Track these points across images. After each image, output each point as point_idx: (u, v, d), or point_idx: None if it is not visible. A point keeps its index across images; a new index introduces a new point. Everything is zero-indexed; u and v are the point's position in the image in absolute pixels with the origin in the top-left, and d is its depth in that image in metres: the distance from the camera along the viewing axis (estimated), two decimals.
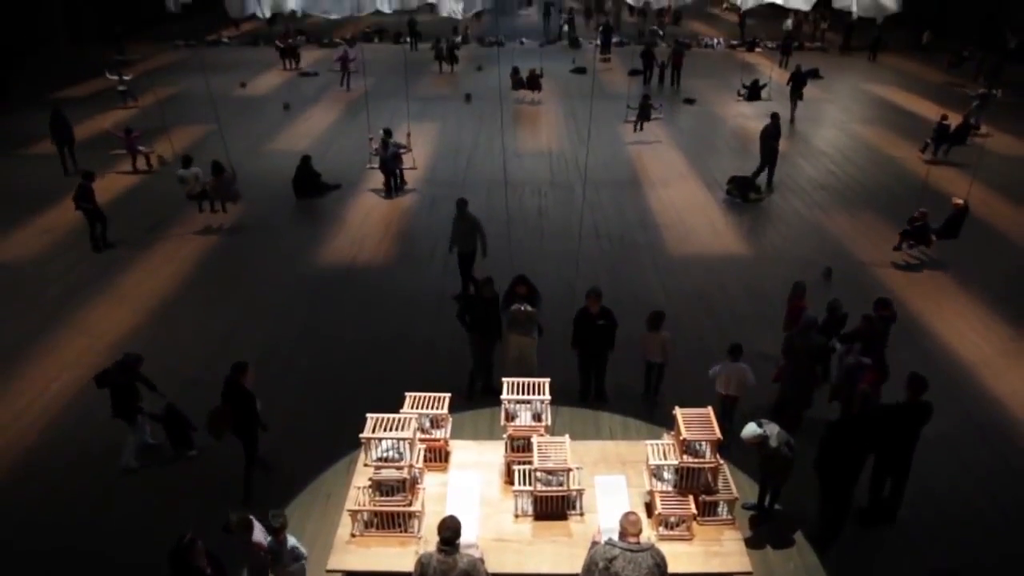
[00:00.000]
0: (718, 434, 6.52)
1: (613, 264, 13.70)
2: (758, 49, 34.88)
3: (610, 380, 9.85)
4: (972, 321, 11.94)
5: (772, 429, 7.19)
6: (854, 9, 23.39)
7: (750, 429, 7.11)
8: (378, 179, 17.41)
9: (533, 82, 25.50)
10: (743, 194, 16.83)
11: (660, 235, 15.00)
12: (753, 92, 24.59)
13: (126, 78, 25.09)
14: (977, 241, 14.42)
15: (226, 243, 14.74)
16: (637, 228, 15.33)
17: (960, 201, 13.77)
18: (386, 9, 26.44)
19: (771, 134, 17.31)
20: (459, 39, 33.29)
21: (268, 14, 25.11)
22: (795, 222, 15.82)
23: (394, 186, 17.13)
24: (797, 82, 23.35)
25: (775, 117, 17.48)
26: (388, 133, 17.09)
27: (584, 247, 13.14)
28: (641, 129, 20.88)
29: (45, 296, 12.55)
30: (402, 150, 17.38)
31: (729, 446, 6.81)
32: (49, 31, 33.52)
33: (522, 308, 9.42)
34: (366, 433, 6.52)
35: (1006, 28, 29.98)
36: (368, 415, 6.65)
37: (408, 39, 34.37)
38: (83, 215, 14.22)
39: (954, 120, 19.58)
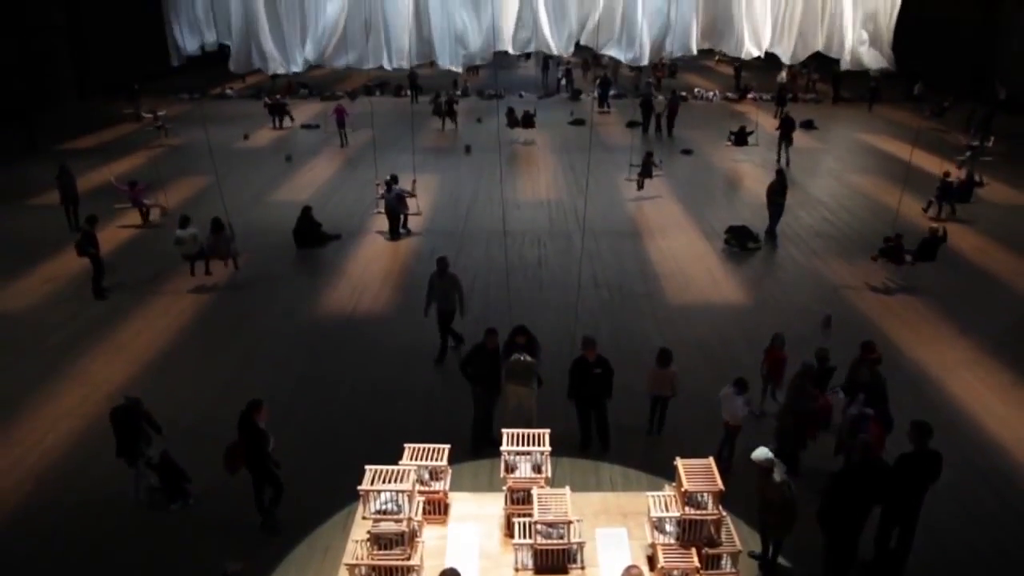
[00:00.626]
0: (720, 485, 6.46)
1: (613, 314, 13.72)
2: (751, 96, 35.49)
3: (611, 421, 9.80)
4: (974, 368, 11.92)
5: (779, 466, 7.27)
6: (847, 59, 24.12)
7: (761, 452, 7.22)
8: (383, 223, 17.72)
9: (527, 121, 27.01)
10: (741, 243, 16.94)
11: (659, 285, 15.06)
12: (740, 138, 25.18)
13: (161, 114, 27.71)
14: (977, 289, 14.49)
15: (226, 294, 14.78)
16: (636, 278, 15.39)
17: (936, 226, 14.65)
18: (388, 66, 26.97)
19: (776, 191, 17.32)
20: (458, 92, 33.86)
21: (274, 71, 25.72)
22: (793, 270, 15.90)
23: (398, 228, 17.55)
24: (786, 128, 24.01)
25: (780, 174, 17.62)
26: (394, 179, 17.63)
27: (583, 297, 13.17)
28: (642, 187, 20.61)
29: (45, 345, 12.54)
30: (407, 194, 17.83)
31: (727, 499, 6.74)
32: (58, 85, 34.29)
33: (521, 358, 9.41)
34: (364, 485, 6.45)
35: (995, 80, 30.60)
36: (367, 467, 6.60)
37: (409, 92, 34.98)
38: (89, 261, 14.39)
39: (935, 167, 19.92)
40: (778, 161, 23.84)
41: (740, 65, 38.13)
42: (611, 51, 24.48)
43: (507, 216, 16.33)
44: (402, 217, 17.73)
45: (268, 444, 8.08)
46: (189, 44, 28.80)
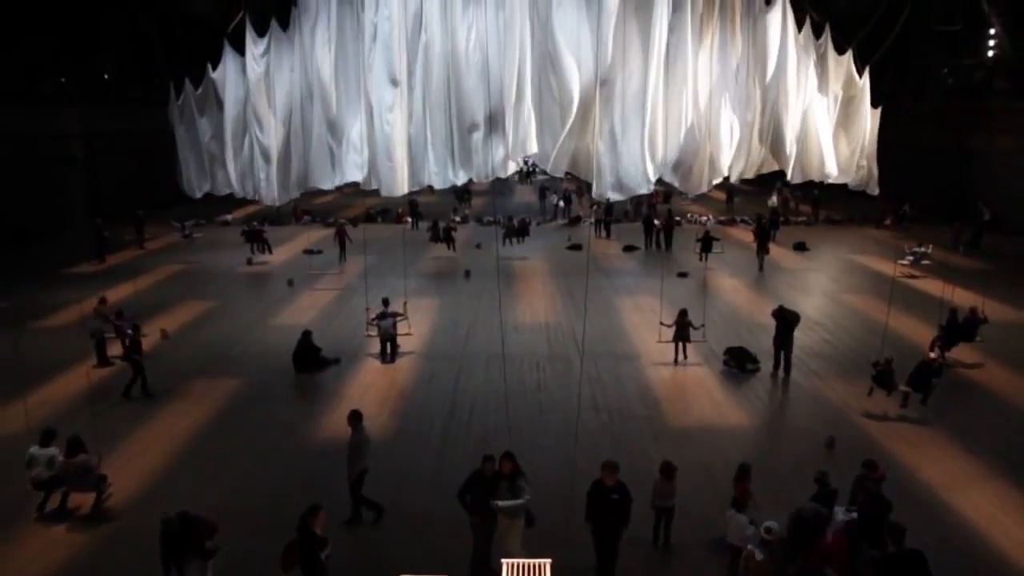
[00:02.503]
0: None
1: (613, 437, 13.56)
2: (741, 220, 36.53)
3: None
4: (983, 487, 11.70)
5: None
6: (833, 172, 26.15)
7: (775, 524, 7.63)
8: (375, 344, 17.93)
9: (523, 230, 28.29)
10: (740, 365, 16.95)
11: (659, 408, 14.97)
12: (706, 244, 26.62)
13: (188, 223, 29.18)
14: (980, 407, 14.39)
15: (222, 418, 14.65)
16: (636, 401, 15.31)
17: (933, 355, 14.29)
18: (392, 193, 28.37)
19: (779, 329, 16.57)
20: (457, 219, 34.76)
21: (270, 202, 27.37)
22: (793, 392, 15.84)
23: (390, 351, 17.67)
24: (762, 237, 26.36)
25: (780, 310, 16.92)
26: (385, 302, 17.98)
27: (583, 420, 13.07)
28: (685, 358, 17.34)
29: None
30: (399, 318, 18.00)
31: None
32: (71, 211, 35.61)
33: (500, 504, 9.11)
34: None
35: (979, 202, 31.60)
36: None
37: (409, 219, 35.93)
38: (129, 365, 15.49)
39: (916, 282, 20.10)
40: (760, 269, 25.99)
41: (731, 189, 39.49)
42: (607, 192, 25.63)
43: (506, 339, 16.42)
44: (393, 338, 17.91)
45: (323, 550, 8.31)
46: (199, 187, 30.48)
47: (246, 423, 14.44)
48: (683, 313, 17.34)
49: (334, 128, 29.61)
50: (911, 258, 25.92)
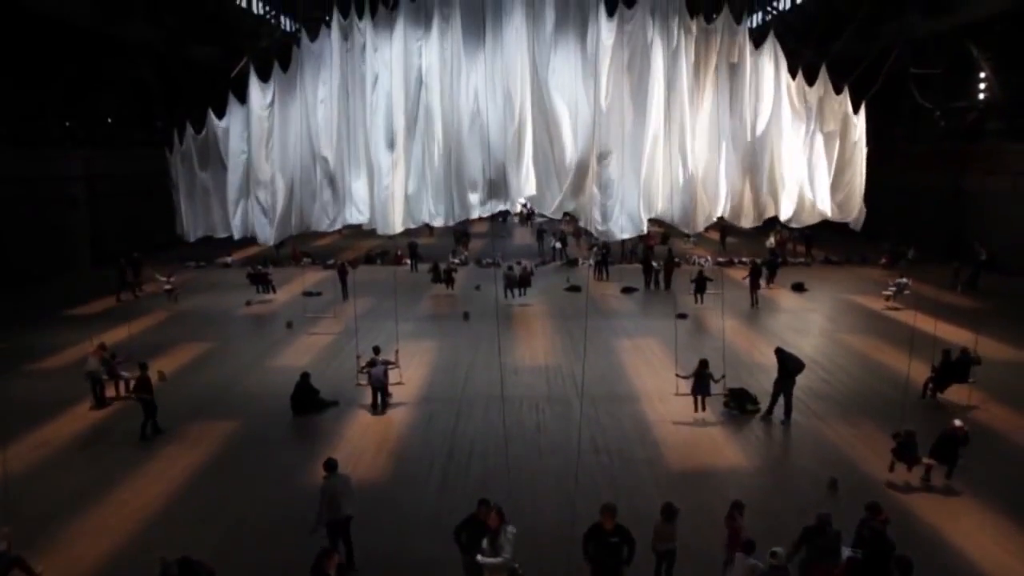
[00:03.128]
0: None
1: (613, 479, 13.46)
2: (738, 261, 36.73)
3: None
4: (993, 533, 11.58)
5: None
6: (827, 212, 27.57)
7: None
8: (369, 394, 17.37)
9: (524, 280, 27.86)
10: (741, 406, 16.88)
11: (659, 450, 14.87)
12: (700, 285, 26.88)
13: (172, 279, 28.10)
14: (988, 451, 14.27)
15: (219, 461, 14.55)
16: (636, 442, 15.22)
17: (959, 423, 13.08)
18: (389, 231, 29.10)
19: (780, 373, 16.38)
20: (456, 261, 34.89)
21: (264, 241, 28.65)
22: (794, 433, 15.76)
23: (380, 402, 17.11)
24: (754, 275, 27.24)
25: (780, 352, 16.73)
26: (376, 350, 17.45)
27: (583, 463, 12.99)
28: (703, 410, 16.52)
29: (24, 514, 12.17)
30: (390, 366, 17.41)
31: None
32: (72, 253, 35.81)
33: (479, 560, 9.03)
34: None
35: (974, 242, 31.80)
36: None
37: (409, 261, 36.06)
38: (140, 405, 15.39)
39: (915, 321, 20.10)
40: (752, 305, 26.82)
41: (724, 229, 39.90)
42: (608, 233, 25.85)
43: (505, 381, 16.38)
44: (384, 388, 17.22)
45: None
46: (194, 232, 31.29)
47: (244, 466, 14.34)
48: (703, 364, 16.30)
49: (334, 179, 30.13)
50: (893, 289, 26.89)
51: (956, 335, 20.03)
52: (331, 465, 11.03)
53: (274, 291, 29.39)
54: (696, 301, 26.76)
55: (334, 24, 29.47)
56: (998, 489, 12.94)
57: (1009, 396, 17.45)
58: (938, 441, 13.05)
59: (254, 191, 30.68)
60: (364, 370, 17.29)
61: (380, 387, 17.10)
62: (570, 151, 28.33)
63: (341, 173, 30.09)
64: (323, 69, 29.93)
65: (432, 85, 29.08)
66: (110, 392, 17.85)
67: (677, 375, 16.93)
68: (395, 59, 29.03)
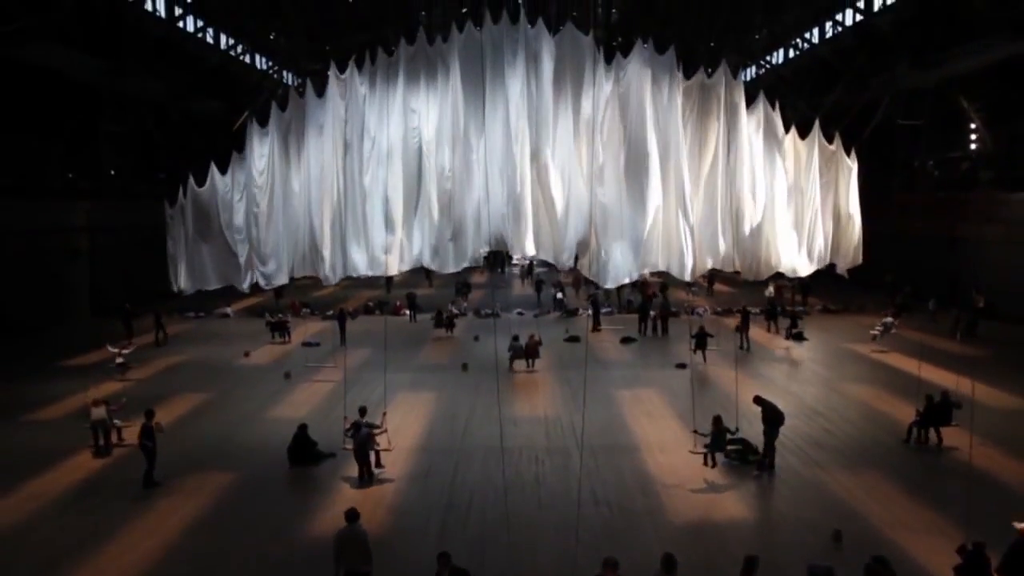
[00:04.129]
0: None
1: (613, 532, 13.30)
2: (738, 309, 36.83)
3: None
4: None
5: None
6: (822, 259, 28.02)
7: None
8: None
9: (532, 351, 25.71)
10: (742, 457, 16.76)
11: (660, 501, 14.71)
12: (700, 341, 26.61)
13: (125, 351, 24.93)
14: (984, 495, 14.12)
15: (215, 513, 14.38)
16: (637, 494, 15.07)
17: (1021, 525, 10.99)
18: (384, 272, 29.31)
19: (763, 420, 16.33)
20: (456, 311, 34.96)
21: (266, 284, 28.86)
22: (796, 483, 15.61)
23: (368, 473, 15.79)
24: (745, 321, 28.57)
25: (758, 400, 16.82)
26: (362, 411, 16.55)
27: (583, 515, 12.84)
28: (715, 465, 16.40)
29: (17, 570, 11.98)
30: (376, 431, 16.23)
31: None
32: (72, 304, 35.86)
33: None
34: None
35: (972, 290, 31.95)
36: None
37: (408, 312, 36.14)
38: (142, 452, 15.27)
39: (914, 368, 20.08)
40: (741, 348, 27.60)
41: (711, 276, 40.46)
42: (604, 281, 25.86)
43: (504, 432, 16.28)
44: (372, 455, 15.98)
45: None
46: (187, 287, 31.47)
47: (239, 518, 14.16)
48: (718, 420, 16.23)
49: (333, 231, 30.40)
50: (880, 328, 27.77)
51: (955, 383, 19.94)
52: (352, 516, 11.05)
53: (289, 338, 31.09)
54: (697, 355, 26.18)
55: (331, 80, 29.97)
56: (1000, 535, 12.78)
57: (1011, 444, 17.32)
58: (1010, 552, 10.67)
59: (253, 240, 30.98)
60: (349, 432, 16.24)
61: (363, 459, 15.71)
62: (564, 210, 28.76)
63: (340, 225, 30.35)
64: (323, 122, 30.41)
65: (430, 143, 29.55)
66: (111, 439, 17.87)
67: (695, 432, 16.71)
68: (394, 116, 29.49)
